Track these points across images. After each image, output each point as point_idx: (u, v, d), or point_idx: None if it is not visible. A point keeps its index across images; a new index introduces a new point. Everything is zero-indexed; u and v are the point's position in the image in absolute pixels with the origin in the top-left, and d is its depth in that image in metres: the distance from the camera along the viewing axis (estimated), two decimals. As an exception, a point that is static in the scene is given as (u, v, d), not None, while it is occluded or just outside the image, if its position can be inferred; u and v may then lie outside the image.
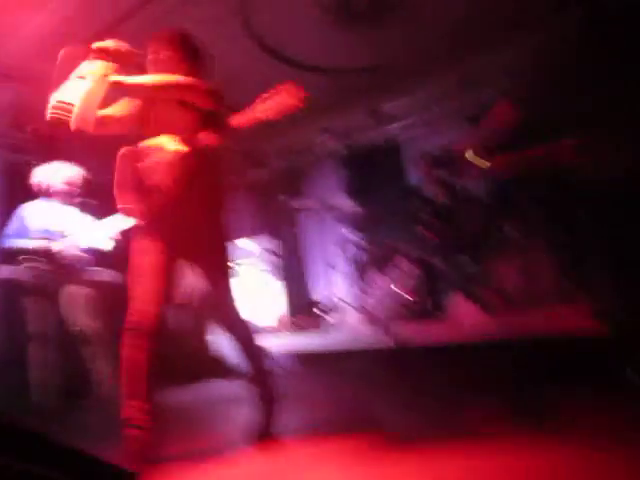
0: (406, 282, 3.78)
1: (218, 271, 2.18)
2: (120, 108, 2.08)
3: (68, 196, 3.75)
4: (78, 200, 3.84)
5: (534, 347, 3.02)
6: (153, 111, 2.08)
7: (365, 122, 5.54)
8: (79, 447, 0.70)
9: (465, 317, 3.45)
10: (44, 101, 1.56)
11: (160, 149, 1.94)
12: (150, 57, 1.99)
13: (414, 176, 4.96)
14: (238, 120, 1.85)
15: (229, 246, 2.27)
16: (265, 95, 1.79)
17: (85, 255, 3.72)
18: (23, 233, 3.57)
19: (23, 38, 3.73)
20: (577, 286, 2.93)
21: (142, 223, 2.05)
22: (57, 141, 1.47)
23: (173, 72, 1.99)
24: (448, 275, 4.14)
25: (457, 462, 1.55)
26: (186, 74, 2.02)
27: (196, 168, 1.94)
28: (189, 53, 2.07)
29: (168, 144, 1.91)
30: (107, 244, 3.72)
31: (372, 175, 5.67)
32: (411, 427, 2.17)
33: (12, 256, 3.64)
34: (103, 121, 1.98)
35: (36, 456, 0.62)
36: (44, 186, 3.61)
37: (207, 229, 2.11)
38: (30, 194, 3.78)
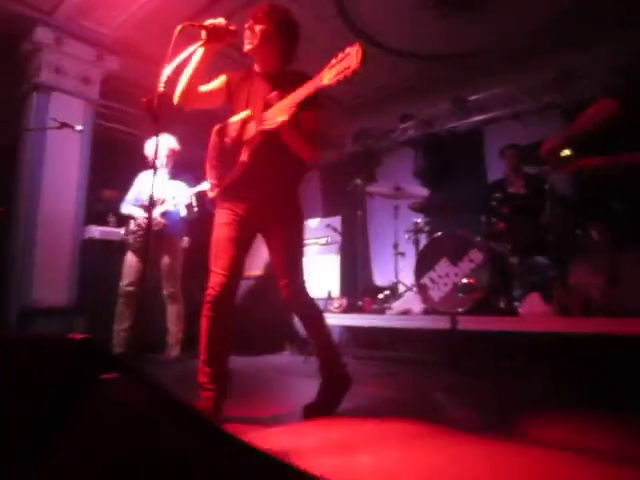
0: (479, 276, 3.68)
1: (290, 248, 2.16)
2: (216, 85, 2.17)
3: (166, 164, 4.06)
4: (171, 168, 4.12)
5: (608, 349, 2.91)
6: (247, 89, 2.13)
7: (447, 110, 5.40)
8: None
9: (538, 316, 3.34)
10: (148, 75, 1.66)
11: (241, 123, 2.01)
12: (246, 30, 2.02)
13: (496, 169, 4.79)
14: (308, 89, 1.77)
15: (304, 225, 2.25)
16: (333, 60, 1.68)
17: (176, 222, 3.99)
18: (134, 200, 3.98)
19: (130, 13, 3.96)
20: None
21: (221, 196, 2.14)
22: (163, 114, 1.55)
23: (266, 45, 2.02)
24: (524, 274, 4.00)
25: (513, 454, 1.54)
26: (278, 48, 2.06)
27: (275, 145, 1.94)
28: (283, 28, 2.06)
29: (249, 119, 1.96)
30: (193, 212, 3.97)
31: (450, 165, 5.54)
32: (470, 414, 2.18)
33: (125, 219, 4.06)
34: (197, 95, 2.08)
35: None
36: (151, 157, 3.94)
37: (282, 205, 2.14)
38: (130, 163, 4.14)
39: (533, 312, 3.42)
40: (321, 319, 2.27)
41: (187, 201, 3.90)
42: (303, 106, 1.86)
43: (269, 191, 2.08)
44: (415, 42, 4.62)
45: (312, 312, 2.25)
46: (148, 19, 3.85)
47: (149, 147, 3.99)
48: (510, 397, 2.68)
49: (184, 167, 4.22)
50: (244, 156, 1.95)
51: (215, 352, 2.06)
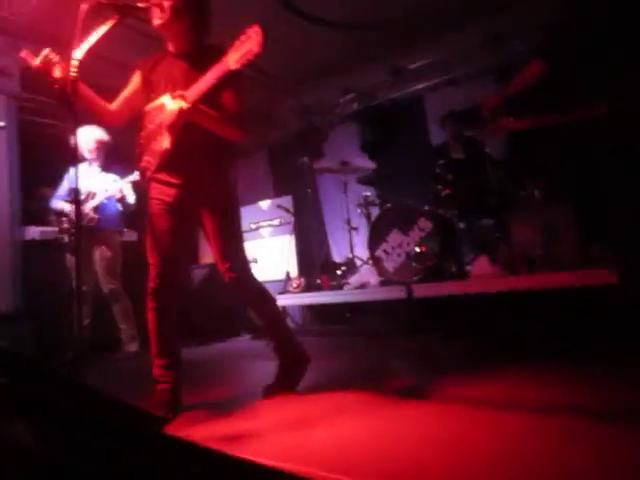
0: (429, 244, 3.76)
1: (224, 232, 2.07)
2: (132, 86, 2.13)
3: (95, 158, 3.91)
4: (102, 161, 3.98)
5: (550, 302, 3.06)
6: (163, 72, 2.05)
7: (387, 81, 5.40)
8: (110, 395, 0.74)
9: (487, 278, 3.45)
10: (66, 61, 1.56)
11: (160, 109, 1.93)
12: (154, 5, 1.89)
13: (439, 134, 4.87)
14: (215, 74, 1.74)
15: (237, 207, 2.17)
16: (237, 42, 1.66)
17: (111, 216, 3.85)
18: (66, 195, 3.81)
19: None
20: (602, 248, 2.90)
21: (150, 185, 2.08)
22: (78, 101, 1.46)
23: (177, 21, 1.93)
24: (472, 238, 4.12)
25: (469, 409, 1.60)
26: (190, 23, 1.97)
27: (196, 129, 1.89)
28: (193, 3, 1.97)
29: (167, 103, 1.88)
30: (130, 203, 3.85)
31: (394, 135, 5.57)
32: (426, 376, 2.24)
33: (56, 215, 3.88)
34: (125, 108, 2.09)
35: (72, 401, 0.65)
36: (77, 149, 3.75)
37: (210, 189, 2.05)
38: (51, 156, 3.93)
39: (483, 274, 3.53)
40: (268, 301, 2.24)
41: (117, 194, 3.76)
42: (220, 87, 1.84)
43: (194, 176, 2.02)
44: (347, 13, 4.56)
45: (258, 296, 2.21)
46: (63, 1, 3.61)
47: (79, 138, 3.83)
48: (464, 358, 2.77)
49: (118, 158, 4.07)
50: (166, 142, 1.88)
51: (164, 343, 2.03)
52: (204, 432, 1.67)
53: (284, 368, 2.20)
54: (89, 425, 0.52)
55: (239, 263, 2.11)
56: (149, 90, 2.06)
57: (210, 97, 1.86)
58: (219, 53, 1.78)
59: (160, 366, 2.01)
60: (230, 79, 1.82)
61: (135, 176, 3.58)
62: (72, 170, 3.95)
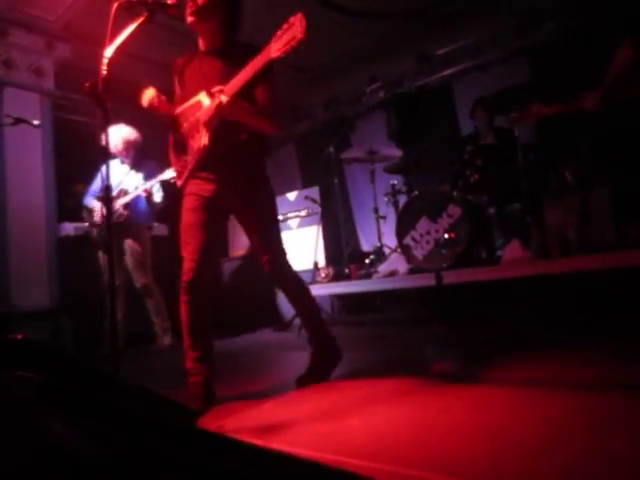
0: (459, 230, 3.70)
1: (263, 224, 2.12)
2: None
3: (125, 156, 3.99)
4: (133, 159, 4.05)
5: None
6: (196, 71, 2.08)
7: (414, 68, 5.32)
8: (145, 388, 0.76)
9: (519, 262, 3.38)
10: (100, 59, 1.59)
11: (196, 107, 1.95)
12: (188, 3, 1.92)
13: (468, 121, 4.76)
14: (256, 65, 1.74)
15: (274, 200, 2.21)
16: (279, 32, 1.65)
17: (141, 212, 3.93)
18: (96, 191, 3.90)
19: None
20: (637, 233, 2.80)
21: (186, 183, 2.10)
22: (110, 98, 1.49)
23: (209, 17, 1.95)
24: (503, 223, 4.03)
25: (499, 398, 1.57)
26: (223, 19, 1.99)
27: (232, 124, 1.91)
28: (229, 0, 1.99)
29: (204, 100, 1.90)
30: (157, 202, 3.91)
31: (421, 123, 5.49)
32: (458, 365, 2.22)
33: (87, 212, 3.99)
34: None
35: (113, 394, 0.67)
36: (112, 147, 3.87)
37: (248, 183, 2.08)
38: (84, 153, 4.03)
39: (515, 258, 3.46)
40: (305, 291, 2.26)
41: (143, 193, 3.81)
42: (255, 81, 1.84)
43: (232, 172, 2.04)
44: (374, 1, 4.49)
45: (296, 285, 2.24)
46: (96, 0, 3.68)
47: (109, 137, 3.91)
48: (496, 344, 2.73)
49: (151, 155, 4.14)
50: (204, 139, 1.90)
51: (197, 336, 2.06)
52: (237, 424, 1.70)
53: (316, 359, 2.21)
54: (125, 419, 0.53)
55: (279, 254, 2.15)
56: (182, 90, 2.10)
57: (244, 92, 1.87)
58: (252, 50, 1.80)
59: (193, 359, 2.04)
60: (264, 73, 1.83)
61: (166, 175, 3.62)
62: (104, 167, 4.09)
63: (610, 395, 1.52)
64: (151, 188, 3.81)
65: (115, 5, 1.61)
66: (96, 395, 0.53)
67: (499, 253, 3.75)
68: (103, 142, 1.51)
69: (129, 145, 3.98)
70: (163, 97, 2.05)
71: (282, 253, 2.18)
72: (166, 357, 3.81)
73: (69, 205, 4.81)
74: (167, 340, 3.98)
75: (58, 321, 4.01)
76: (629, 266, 2.73)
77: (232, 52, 1.98)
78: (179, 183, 2.13)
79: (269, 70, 1.85)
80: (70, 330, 4.02)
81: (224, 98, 1.80)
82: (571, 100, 2.90)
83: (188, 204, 2.10)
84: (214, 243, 2.09)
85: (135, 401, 0.63)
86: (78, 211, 4.75)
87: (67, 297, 4.19)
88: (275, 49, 1.66)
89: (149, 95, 2.03)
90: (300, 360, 2.80)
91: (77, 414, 0.50)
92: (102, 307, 3.68)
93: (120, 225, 3.85)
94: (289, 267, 2.21)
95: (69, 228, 4.34)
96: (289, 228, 5.55)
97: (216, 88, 1.84)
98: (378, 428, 1.47)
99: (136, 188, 3.83)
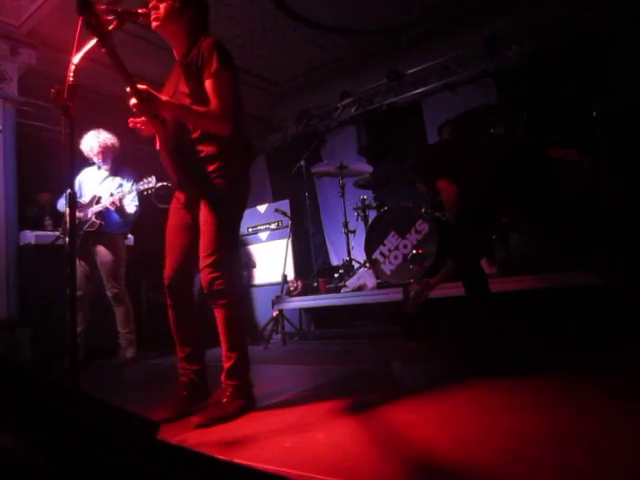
0: (427, 246, 3.76)
1: (207, 227, 1.97)
2: None
3: (102, 160, 3.92)
4: (111, 165, 3.98)
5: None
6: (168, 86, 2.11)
7: (385, 85, 5.42)
8: (104, 400, 0.74)
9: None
10: (65, 66, 1.56)
11: None
12: (152, 8, 1.91)
13: (434, 139, 4.87)
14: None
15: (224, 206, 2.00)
16: None
17: (115, 220, 3.85)
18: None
19: (41, 2, 3.72)
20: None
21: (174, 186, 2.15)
22: (78, 106, 1.46)
23: (174, 21, 1.94)
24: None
25: (462, 411, 1.59)
26: (188, 22, 1.97)
27: (180, 128, 1.96)
28: (188, 2, 1.97)
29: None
30: (128, 212, 3.84)
31: (391, 139, 5.59)
32: (421, 380, 2.24)
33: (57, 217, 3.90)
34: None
35: (69, 406, 0.65)
36: (87, 151, 3.81)
37: (202, 186, 2.00)
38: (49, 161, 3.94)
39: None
40: (228, 313, 1.98)
41: (112, 206, 3.73)
42: (202, 79, 1.88)
43: (186, 174, 2.03)
44: (346, 18, 4.58)
45: (221, 302, 1.97)
46: (62, 6, 3.61)
47: (83, 143, 3.84)
48: (461, 358, 2.77)
49: (130, 164, 4.08)
50: (157, 145, 1.97)
51: (183, 337, 2.09)
52: (199, 438, 1.67)
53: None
54: (81, 432, 0.52)
55: (214, 263, 1.96)
56: None
57: (196, 92, 1.91)
58: (202, 48, 1.89)
59: (181, 359, 2.10)
60: (212, 70, 1.86)
61: (146, 184, 3.56)
62: (84, 172, 4.01)
63: (565, 412, 1.56)
64: (121, 199, 3.73)
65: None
66: (49, 407, 0.51)
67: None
68: (68, 149, 1.48)
69: (106, 150, 3.89)
70: None
71: (219, 263, 1.94)
72: (128, 370, 3.71)
73: (31, 214, 4.67)
74: (130, 353, 3.88)
75: (15, 333, 3.85)
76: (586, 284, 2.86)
77: (190, 56, 1.96)
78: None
79: (219, 69, 1.86)
80: (28, 343, 3.86)
81: (133, 101, 1.75)
82: None
83: (171, 209, 2.14)
84: (193, 246, 2.02)
85: (92, 413, 0.61)
86: (41, 219, 4.62)
87: (26, 308, 4.03)
88: None
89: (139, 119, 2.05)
90: (268, 373, 2.78)
91: (28, 427, 0.48)
92: (63, 319, 3.56)
93: (92, 234, 3.76)
94: (223, 280, 1.95)
95: (30, 236, 4.20)
96: (259, 240, 5.51)
97: (142, 86, 1.75)
98: (343, 443, 1.46)
99: (111, 195, 3.74)
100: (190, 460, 0.59)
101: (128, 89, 1.71)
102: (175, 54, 2.08)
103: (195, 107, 1.87)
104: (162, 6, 1.91)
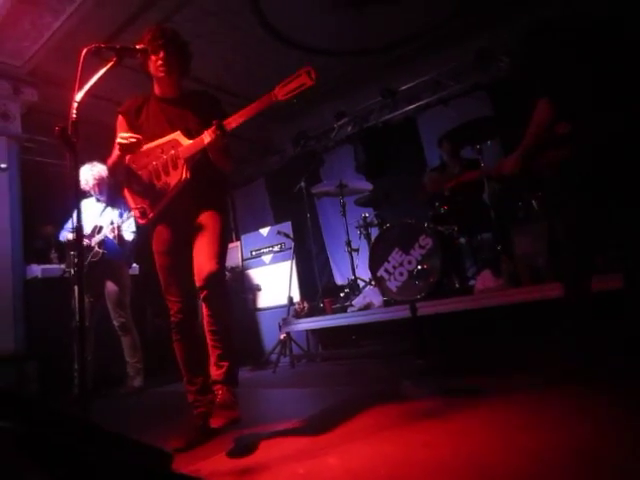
0: (431, 261, 3.76)
1: (211, 243, 2.05)
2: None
3: (99, 192, 3.97)
4: (107, 196, 4.03)
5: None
6: (154, 114, 2.17)
7: (380, 103, 5.50)
8: (115, 431, 0.75)
9: (491, 291, 3.44)
10: (67, 102, 1.60)
11: (170, 145, 2.03)
12: (152, 59, 2.06)
13: (434, 153, 4.92)
14: (260, 105, 1.91)
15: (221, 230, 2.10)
16: (286, 80, 1.85)
17: (118, 249, 3.87)
18: (71, 228, 3.87)
19: (42, 42, 3.81)
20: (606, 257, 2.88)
21: (152, 220, 2.14)
22: (79, 140, 1.50)
23: (173, 73, 2.11)
24: (474, 252, 4.12)
25: (477, 432, 1.57)
26: (182, 71, 2.16)
27: (201, 162, 2.03)
28: (182, 51, 2.14)
29: (181, 139, 2.01)
30: (127, 240, 3.87)
31: (389, 155, 5.63)
32: (433, 399, 2.21)
33: (65, 248, 3.94)
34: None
35: (79, 438, 0.66)
36: (83, 184, 3.86)
37: (202, 214, 2.09)
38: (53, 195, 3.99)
39: (487, 288, 3.52)
40: (224, 319, 2.02)
41: (110, 234, 3.76)
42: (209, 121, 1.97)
43: (191, 205, 2.09)
44: (338, 39, 4.67)
45: (220, 302, 2.01)
46: (61, 46, 3.71)
47: (81, 174, 3.89)
48: (472, 374, 2.74)
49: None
50: (185, 173, 1.99)
51: (193, 369, 2.13)
52: (213, 466, 1.66)
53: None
54: (96, 464, 0.52)
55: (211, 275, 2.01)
56: (139, 131, 2.12)
57: (200, 129, 2.00)
58: (208, 98, 2.17)
59: (194, 392, 2.12)
60: (221, 111, 2.06)
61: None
62: (83, 204, 4.06)
63: (581, 428, 1.54)
64: (118, 228, 3.76)
65: (84, 51, 1.64)
66: (74, 445, 0.51)
67: (472, 282, 3.82)
68: (74, 184, 1.51)
69: (101, 182, 3.95)
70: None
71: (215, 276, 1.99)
72: (136, 399, 3.70)
73: (37, 247, 4.71)
74: (137, 382, 3.87)
75: (23, 366, 3.85)
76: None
77: (189, 99, 2.16)
78: (143, 222, 2.14)
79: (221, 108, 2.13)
80: (36, 375, 3.86)
81: (219, 132, 1.90)
82: None
83: (158, 246, 2.15)
84: (191, 279, 2.05)
85: (107, 445, 0.62)
86: (46, 252, 4.65)
87: (34, 341, 4.04)
88: (282, 94, 1.85)
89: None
90: (278, 397, 2.76)
91: (56, 465, 0.49)
92: (70, 350, 3.58)
93: (97, 264, 3.79)
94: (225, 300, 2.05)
95: (37, 270, 4.23)
96: (263, 264, 5.53)
97: (215, 122, 1.91)
98: (357, 466, 1.45)
99: (111, 223, 3.78)
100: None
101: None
102: (158, 91, 2.18)
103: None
104: (161, 58, 2.06)
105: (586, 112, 2.15)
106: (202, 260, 2.00)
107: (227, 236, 2.16)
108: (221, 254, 2.04)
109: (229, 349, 2.00)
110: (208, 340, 2.00)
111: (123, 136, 2.00)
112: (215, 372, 1.97)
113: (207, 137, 1.93)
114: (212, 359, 1.98)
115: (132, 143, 2.00)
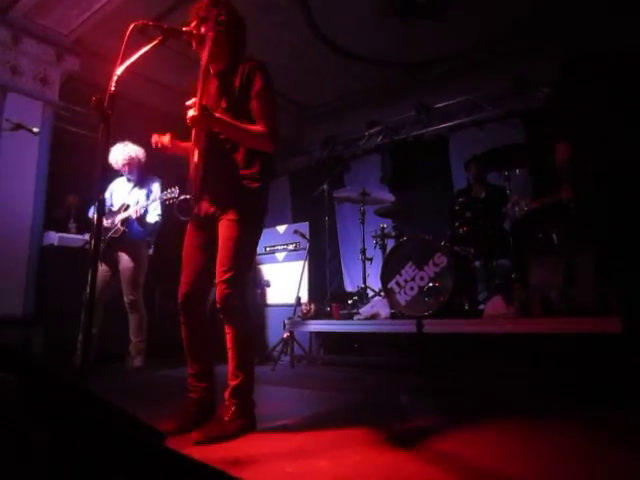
0: (443, 279, 3.72)
1: (225, 244, 1.99)
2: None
3: (128, 172, 4.02)
4: (137, 176, 4.07)
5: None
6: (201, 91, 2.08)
7: (413, 117, 5.48)
8: (113, 405, 0.74)
9: (500, 318, 3.39)
10: (110, 77, 1.62)
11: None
12: (194, 32, 1.98)
13: (461, 174, 4.88)
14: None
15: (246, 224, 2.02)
16: None
17: (139, 229, 3.92)
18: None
19: (90, 13, 3.88)
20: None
21: (194, 205, 2.12)
22: (113, 114, 1.51)
23: (217, 47, 2.00)
24: (487, 276, 4.07)
25: (468, 453, 1.55)
26: (228, 46, 2.06)
27: (220, 141, 2.00)
28: (232, 26, 2.05)
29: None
30: (149, 222, 3.91)
31: (416, 171, 5.61)
32: (427, 419, 2.18)
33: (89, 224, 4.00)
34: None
35: (79, 401, 0.65)
36: (113, 163, 3.91)
37: (229, 201, 2.02)
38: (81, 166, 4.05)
39: (496, 313, 3.47)
40: (239, 332, 2.00)
41: (134, 214, 3.80)
42: (249, 98, 1.96)
43: (216, 189, 2.04)
44: (379, 49, 4.67)
45: (233, 319, 2.00)
46: (109, 19, 3.77)
47: (110, 155, 3.93)
48: (470, 399, 2.71)
49: (158, 174, 4.16)
50: (196, 156, 1.97)
51: (193, 354, 2.10)
52: (203, 454, 1.65)
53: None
54: (93, 430, 0.52)
55: (229, 279, 1.97)
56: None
57: (242, 109, 1.97)
58: (247, 69, 1.99)
59: (190, 375, 2.10)
60: (258, 90, 1.97)
61: (169, 194, 3.61)
62: (116, 182, 4.14)
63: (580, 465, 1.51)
64: (142, 210, 3.80)
65: (131, 26, 1.66)
66: (73, 406, 0.51)
67: (481, 306, 3.77)
68: (103, 156, 1.52)
69: (131, 162, 3.99)
70: (176, 142, 2.11)
71: (233, 279, 1.95)
72: (133, 378, 3.72)
73: (57, 216, 4.77)
74: (138, 362, 3.89)
75: (29, 331, 3.90)
76: (603, 332, 2.76)
77: (231, 73, 2.06)
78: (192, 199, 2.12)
79: (265, 89, 1.98)
80: (41, 341, 3.90)
81: (191, 112, 1.84)
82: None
83: (189, 227, 2.14)
84: (209, 265, 2.05)
85: (110, 415, 0.62)
86: (65, 222, 4.72)
87: (44, 307, 4.09)
88: None
89: (163, 140, 2.09)
90: (274, 395, 2.75)
91: (55, 422, 0.49)
92: (78, 321, 3.61)
93: (116, 240, 3.84)
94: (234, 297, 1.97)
95: (54, 237, 4.29)
96: (275, 261, 5.53)
97: (189, 101, 1.88)
98: (346, 473, 1.43)
99: (137, 203, 3.84)
100: (192, 468, 0.59)
101: (190, 102, 1.85)
102: (210, 69, 2.11)
103: (246, 125, 1.96)
104: (209, 36, 1.98)
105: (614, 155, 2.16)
106: (217, 274, 1.97)
107: (249, 240, 2.06)
108: (236, 267, 1.95)
109: (244, 360, 1.99)
110: (227, 349, 2.01)
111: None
112: (231, 381, 1.98)
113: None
114: (229, 368, 1.99)
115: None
